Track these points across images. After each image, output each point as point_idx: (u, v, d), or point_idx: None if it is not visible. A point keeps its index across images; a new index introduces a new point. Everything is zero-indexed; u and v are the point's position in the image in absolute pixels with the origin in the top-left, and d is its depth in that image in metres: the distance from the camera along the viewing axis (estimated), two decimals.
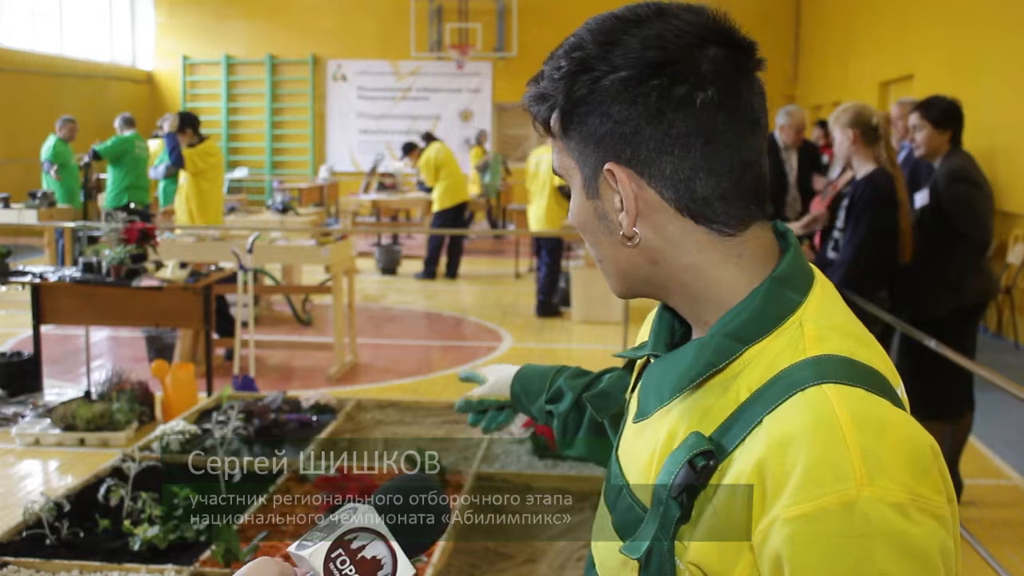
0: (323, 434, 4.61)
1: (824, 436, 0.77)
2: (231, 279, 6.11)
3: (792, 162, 6.61)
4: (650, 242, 0.90)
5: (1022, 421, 5.41)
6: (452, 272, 11.06)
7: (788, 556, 0.75)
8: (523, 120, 17.96)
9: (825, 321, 0.88)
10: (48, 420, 5.15)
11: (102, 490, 3.59)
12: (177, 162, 7.44)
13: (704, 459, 0.82)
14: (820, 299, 0.90)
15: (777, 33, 16.09)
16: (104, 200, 9.27)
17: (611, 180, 0.89)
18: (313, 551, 0.77)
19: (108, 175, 9.17)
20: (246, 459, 4.21)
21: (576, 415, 1.36)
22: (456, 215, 10.85)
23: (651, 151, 0.87)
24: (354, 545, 0.78)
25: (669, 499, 0.82)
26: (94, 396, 5.35)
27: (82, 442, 4.99)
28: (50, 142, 10.26)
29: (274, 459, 4.30)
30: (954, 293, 4.22)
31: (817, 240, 4.74)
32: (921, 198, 4.36)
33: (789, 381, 0.82)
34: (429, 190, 11.22)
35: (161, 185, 9.49)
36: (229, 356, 6.62)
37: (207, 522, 3.46)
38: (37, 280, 5.53)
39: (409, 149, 12.77)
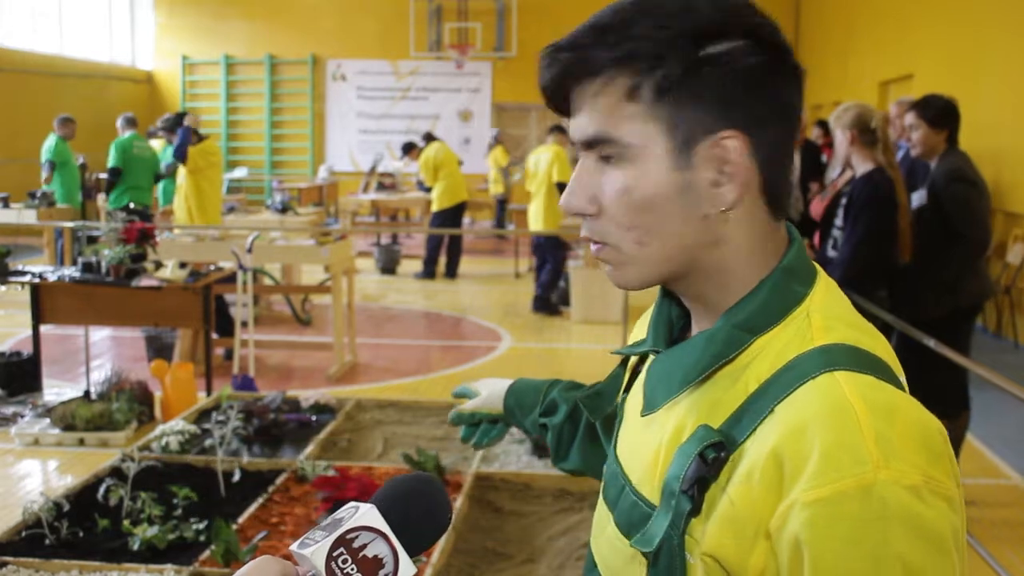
0: (322, 434, 4.61)
1: (839, 421, 0.78)
2: (231, 279, 6.11)
3: (795, 161, 6.63)
4: (728, 219, 0.88)
5: (1021, 420, 5.42)
6: (451, 272, 11.07)
7: (807, 539, 0.76)
8: (522, 120, 17.97)
9: (831, 312, 0.89)
10: (47, 420, 5.15)
11: (101, 490, 3.60)
12: (180, 156, 7.44)
13: (715, 451, 0.82)
14: (824, 292, 0.91)
15: None
16: (107, 201, 9.27)
17: (717, 149, 0.86)
18: (315, 550, 0.77)
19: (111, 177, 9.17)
20: (245, 459, 4.22)
21: (570, 427, 1.34)
22: (455, 215, 10.86)
23: (760, 121, 0.87)
24: (356, 544, 0.78)
25: (680, 492, 0.83)
26: (93, 396, 5.35)
27: (81, 442, 4.99)
28: (51, 141, 10.27)
29: (273, 459, 4.31)
30: (952, 293, 4.23)
31: (816, 239, 4.74)
32: (918, 198, 4.36)
33: (799, 370, 0.83)
34: (428, 190, 11.22)
35: (160, 185, 9.50)
36: (228, 356, 6.62)
37: (206, 522, 3.47)
38: (36, 280, 5.53)
39: (409, 148, 12.79)
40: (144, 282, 5.40)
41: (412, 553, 0.81)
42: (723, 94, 0.85)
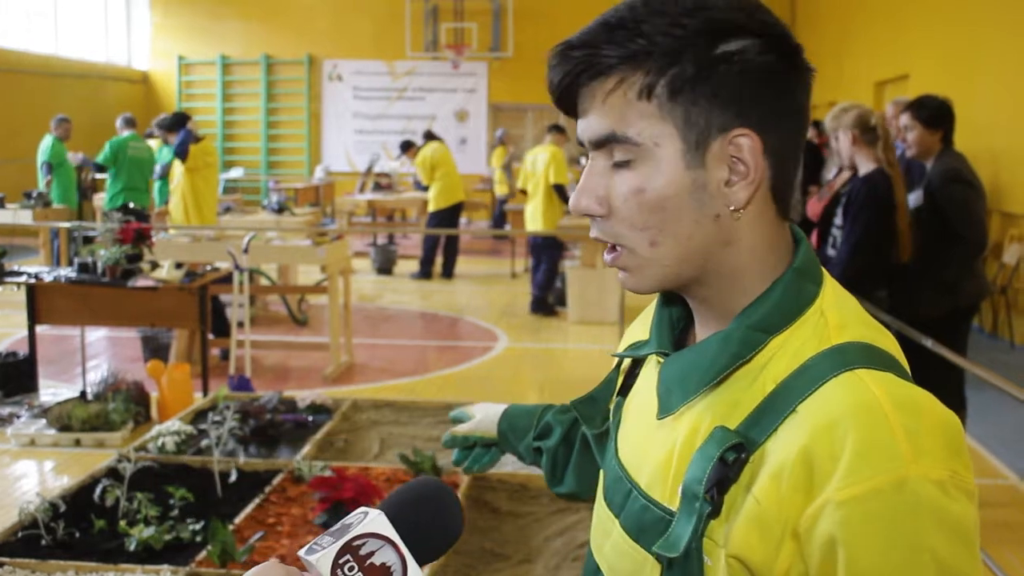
0: (319, 434, 4.60)
1: (868, 418, 0.78)
2: (227, 279, 6.11)
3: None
4: (739, 219, 0.88)
5: (1018, 420, 5.43)
6: (448, 272, 11.07)
7: (843, 538, 0.76)
8: (519, 120, 17.97)
9: (843, 309, 0.89)
10: (44, 420, 5.14)
11: (98, 490, 3.59)
12: (182, 153, 7.43)
13: (735, 453, 0.82)
14: (833, 290, 0.91)
15: None
16: (103, 201, 9.27)
17: (730, 148, 0.86)
18: (320, 556, 0.76)
19: (107, 176, 9.17)
20: (242, 459, 4.22)
21: (565, 450, 1.33)
22: (452, 215, 10.85)
23: (773, 121, 0.87)
24: (363, 551, 0.77)
25: (702, 495, 0.82)
26: (90, 396, 5.34)
27: (78, 442, 4.98)
28: (47, 142, 10.25)
29: (270, 459, 4.30)
30: (951, 294, 4.23)
31: (815, 240, 4.75)
32: (914, 199, 4.37)
33: (819, 369, 0.82)
34: (426, 188, 11.22)
35: (157, 186, 9.49)
36: (225, 356, 6.62)
37: (202, 522, 3.47)
38: (32, 280, 5.52)
39: (406, 147, 12.79)
40: (140, 282, 5.39)
41: (422, 561, 0.80)
42: (737, 93, 0.85)
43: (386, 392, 6.05)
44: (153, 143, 9.77)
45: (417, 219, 13.66)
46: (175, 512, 3.57)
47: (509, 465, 4.36)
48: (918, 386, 0.86)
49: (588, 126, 0.89)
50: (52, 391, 5.91)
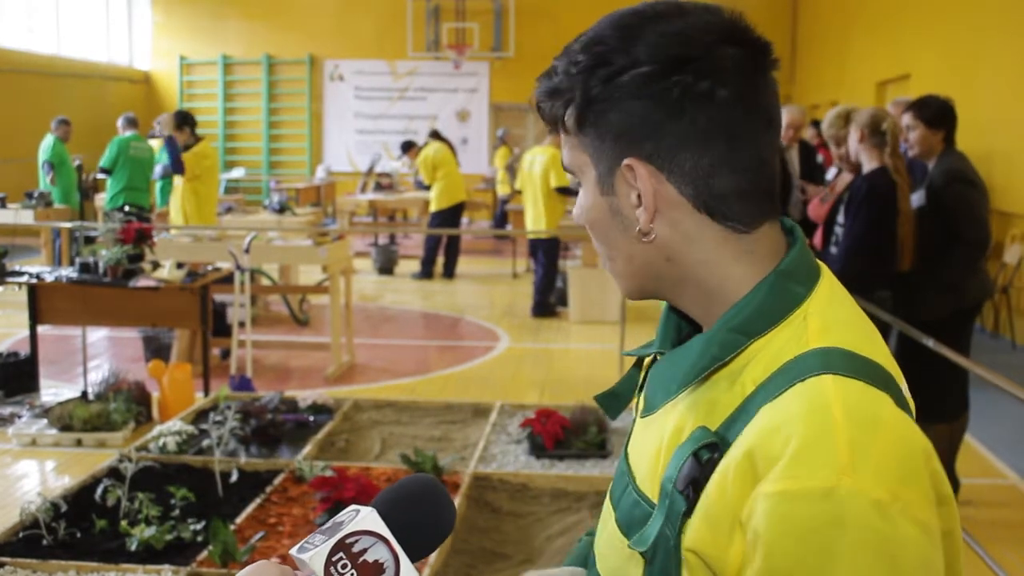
0: (320, 434, 4.61)
1: (815, 423, 0.77)
2: (228, 279, 6.11)
3: (795, 161, 6.63)
4: (666, 238, 0.90)
5: (1019, 420, 5.42)
6: (449, 272, 11.06)
7: (762, 531, 0.76)
8: (520, 120, 17.97)
9: (831, 315, 0.88)
10: (45, 420, 5.15)
11: (99, 490, 3.59)
12: (178, 168, 7.45)
13: (708, 452, 0.83)
14: (827, 293, 0.91)
15: (774, 33, 15.89)
16: (104, 201, 9.26)
17: (629, 176, 0.89)
18: (313, 555, 0.76)
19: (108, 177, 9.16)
20: (243, 459, 4.22)
21: None
22: (453, 215, 10.85)
23: (671, 147, 0.88)
24: (355, 548, 0.77)
25: (675, 492, 0.83)
26: (91, 396, 5.34)
27: (79, 442, 4.99)
28: (48, 142, 10.26)
29: (271, 459, 4.30)
30: (954, 294, 4.23)
31: (818, 240, 4.75)
32: (917, 198, 4.36)
33: (790, 373, 0.83)
34: (428, 187, 11.21)
35: (158, 186, 9.49)
36: (226, 356, 6.62)
37: (204, 522, 3.47)
38: (34, 280, 5.52)
39: (408, 147, 12.78)
40: (141, 282, 5.40)
41: (415, 558, 0.80)
42: (626, 122, 0.89)
43: (387, 392, 6.05)
44: (154, 143, 9.77)
45: (418, 219, 13.65)
46: (176, 512, 3.57)
47: (510, 465, 4.36)
48: (907, 397, 0.86)
49: None
50: (53, 391, 5.91)
